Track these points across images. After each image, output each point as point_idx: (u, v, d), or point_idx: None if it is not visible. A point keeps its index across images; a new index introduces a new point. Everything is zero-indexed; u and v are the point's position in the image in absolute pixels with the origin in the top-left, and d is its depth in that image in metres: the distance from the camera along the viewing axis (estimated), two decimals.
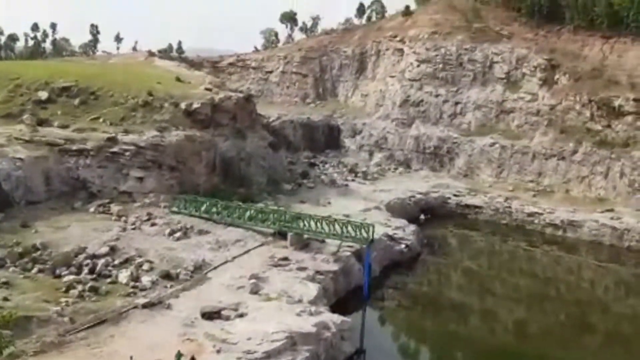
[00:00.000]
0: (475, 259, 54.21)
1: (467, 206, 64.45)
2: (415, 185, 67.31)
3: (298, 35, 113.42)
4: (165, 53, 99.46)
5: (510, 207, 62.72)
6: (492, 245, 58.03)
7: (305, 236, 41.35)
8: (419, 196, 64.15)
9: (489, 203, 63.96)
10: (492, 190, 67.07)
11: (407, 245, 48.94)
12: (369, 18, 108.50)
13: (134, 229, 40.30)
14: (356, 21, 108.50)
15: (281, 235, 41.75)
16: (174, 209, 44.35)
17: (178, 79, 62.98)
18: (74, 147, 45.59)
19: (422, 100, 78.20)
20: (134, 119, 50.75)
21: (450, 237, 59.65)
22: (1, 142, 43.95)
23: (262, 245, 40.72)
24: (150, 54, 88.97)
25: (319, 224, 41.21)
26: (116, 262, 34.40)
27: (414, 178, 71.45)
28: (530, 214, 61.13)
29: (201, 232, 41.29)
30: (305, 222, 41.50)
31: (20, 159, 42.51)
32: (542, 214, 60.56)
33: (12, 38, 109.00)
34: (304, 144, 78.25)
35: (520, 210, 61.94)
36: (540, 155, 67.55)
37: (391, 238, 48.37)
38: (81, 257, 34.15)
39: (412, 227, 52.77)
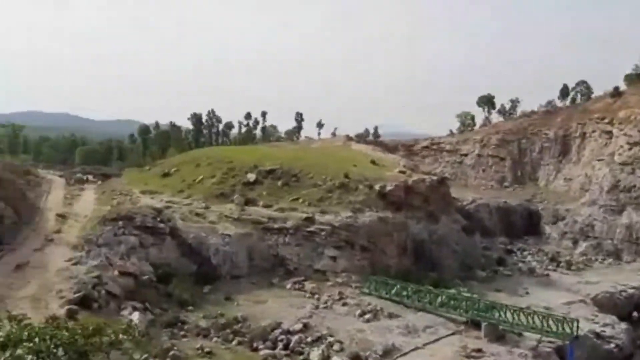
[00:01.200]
0: None
1: None
2: (627, 279, 60.49)
3: (495, 118, 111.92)
4: (361, 137, 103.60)
5: None
6: None
7: (501, 327, 38.84)
8: (631, 291, 57.42)
9: None
10: None
11: (617, 345, 43.71)
12: (573, 100, 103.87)
13: (325, 307, 40.98)
14: (559, 103, 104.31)
15: (474, 324, 39.68)
16: (365, 289, 44.52)
17: (373, 162, 64.81)
18: (276, 226, 48.51)
19: (634, 186, 71.50)
20: (330, 200, 52.84)
21: None
22: (213, 219, 48.31)
23: (453, 333, 38.94)
24: (348, 138, 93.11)
25: (516, 316, 38.58)
26: (309, 339, 34.97)
27: (625, 270, 64.49)
28: None
29: (391, 316, 40.71)
30: (501, 313, 39.09)
31: (228, 235, 46.22)
32: None
33: (228, 126, 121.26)
34: (500, 229, 75.07)
35: None
36: None
37: (598, 336, 43.60)
38: (277, 332, 35.28)
39: (623, 325, 47.12)
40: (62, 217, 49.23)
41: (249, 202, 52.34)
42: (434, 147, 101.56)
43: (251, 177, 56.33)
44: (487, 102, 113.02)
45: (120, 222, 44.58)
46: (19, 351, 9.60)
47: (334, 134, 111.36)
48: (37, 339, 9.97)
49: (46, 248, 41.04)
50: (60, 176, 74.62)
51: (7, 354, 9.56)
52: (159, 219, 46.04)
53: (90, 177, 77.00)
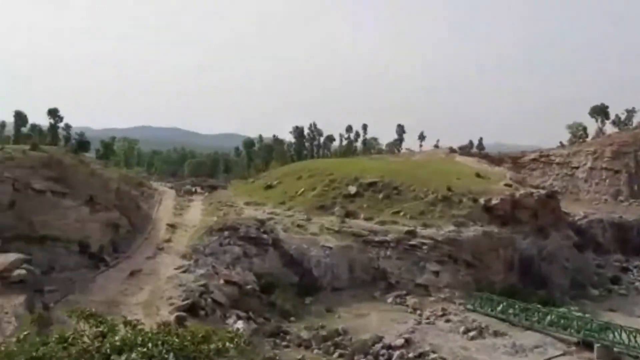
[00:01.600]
0: None
1: None
2: None
3: (609, 129, 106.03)
4: (465, 149, 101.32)
5: None
6: None
7: (616, 349, 36.36)
8: None
9: None
10: None
11: None
12: None
13: (428, 323, 40.18)
14: None
15: (586, 345, 37.38)
16: (469, 306, 43.26)
17: (477, 175, 63.12)
18: (376, 239, 48.27)
19: None
20: (433, 213, 51.91)
21: None
22: (315, 231, 48.76)
23: (563, 354, 36.87)
24: (451, 150, 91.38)
25: (632, 337, 35.97)
26: (411, 355, 34.36)
27: None
28: None
29: (497, 334, 39.22)
30: (616, 334, 36.60)
31: (329, 247, 46.49)
32: None
33: (330, 138, 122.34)
34: (614, 245, 70.48)
35: None
36: None
37: None
38: (378, 346, 34.94)
39: None
40: (172, 226, 51.50)
41: (349, 214, 52.44)
42: (543, 159, 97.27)
43: (352, 189, 56.44)
44: (600, 112, 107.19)
45: (226, 233, 46.04)
46: (134, 355, 9.97)
47: (436, 146, 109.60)
48: (150, 344, 10.34)
49: (157, 256, 43.04)
50: (171, 188, 78.21)
51: (123, 358, 9.95)
52: (262, 230, 47.12)
53: (198, 189, 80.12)
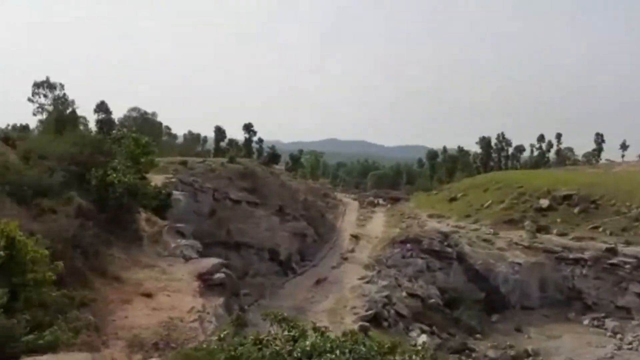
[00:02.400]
0: None
1: None
2: None
3: None
4: None
5: None
6: None
7: None
8: None
9: None
10: None
11: None
12: None
13: (630, 348, 36.58)
14: None
15: None
16: None
17: None
18: (571, 256, 45.11)
19: None
20: (637, 229, 47.18)
21: None
22: (502, 246, 46.74)
23: None
24: None
25: None
26: None
27: None
28: None
29: None
30: None
31: (518, 263, 44.29)
32: None
33: (519, 149, 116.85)
34: None
35: None
36: None
37: None
38: None
39: None
40: (355, 237, 52.53)
41: (541, 229, 49.47)
42: None
43: (544, 202, 53.22)
44: None
45: (408, 245, 45.88)
46: None
47: None
48: (337, 352, 10.52)
49: (342, 266, 44.18)
50: (354, 199, 79.87)
51: None
52: (446, 243, 46.26)
53: (380, 201, 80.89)
